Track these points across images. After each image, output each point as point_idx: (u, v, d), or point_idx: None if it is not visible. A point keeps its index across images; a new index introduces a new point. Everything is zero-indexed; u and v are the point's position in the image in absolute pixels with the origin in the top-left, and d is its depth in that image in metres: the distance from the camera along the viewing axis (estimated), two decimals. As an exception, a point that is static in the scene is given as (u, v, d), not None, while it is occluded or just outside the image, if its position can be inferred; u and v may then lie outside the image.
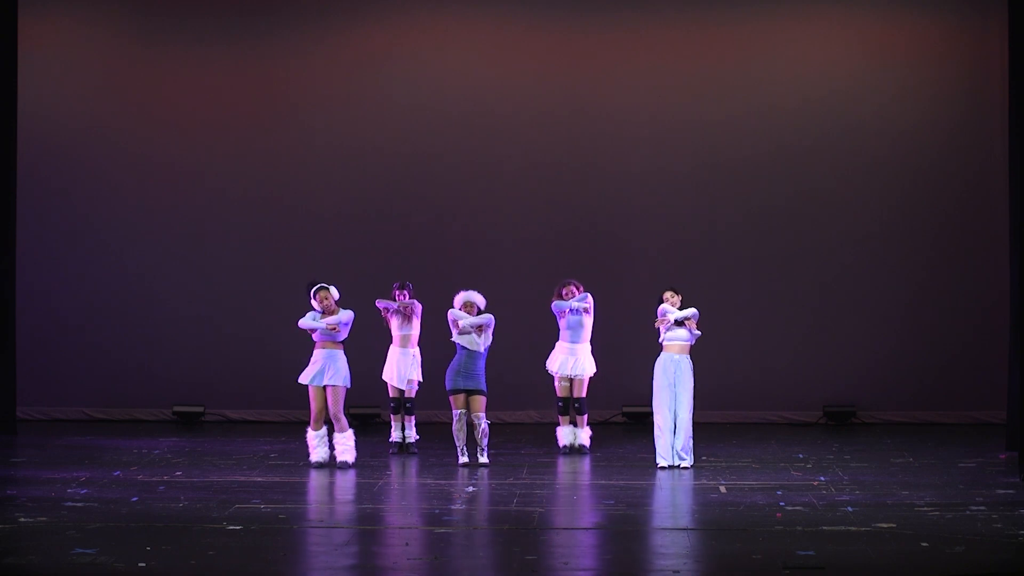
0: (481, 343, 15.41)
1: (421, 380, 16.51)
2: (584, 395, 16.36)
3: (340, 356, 15.29)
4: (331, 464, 15.17)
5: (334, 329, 15.25)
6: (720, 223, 19.47)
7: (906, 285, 19.38)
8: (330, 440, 15.33)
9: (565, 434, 16.44)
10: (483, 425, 15.36)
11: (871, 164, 19.39)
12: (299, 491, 13.77)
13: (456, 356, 15.46)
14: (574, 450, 16.32)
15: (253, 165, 19.72)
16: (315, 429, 15.29)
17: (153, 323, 19.66)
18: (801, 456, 16.03)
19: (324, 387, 15.25)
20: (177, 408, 19.51)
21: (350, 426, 15.34)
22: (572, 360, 16.36)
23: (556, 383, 16.48)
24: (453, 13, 19.71)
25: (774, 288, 19.43)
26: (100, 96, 19.79)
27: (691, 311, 15.11)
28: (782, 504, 12.81)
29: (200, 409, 19.54)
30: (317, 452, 15.24)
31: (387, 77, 19.63)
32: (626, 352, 18.45)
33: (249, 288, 19.64)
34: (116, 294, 19.69)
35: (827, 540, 11.20)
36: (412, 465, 15.55)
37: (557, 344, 16.52)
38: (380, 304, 16.39)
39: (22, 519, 12.02)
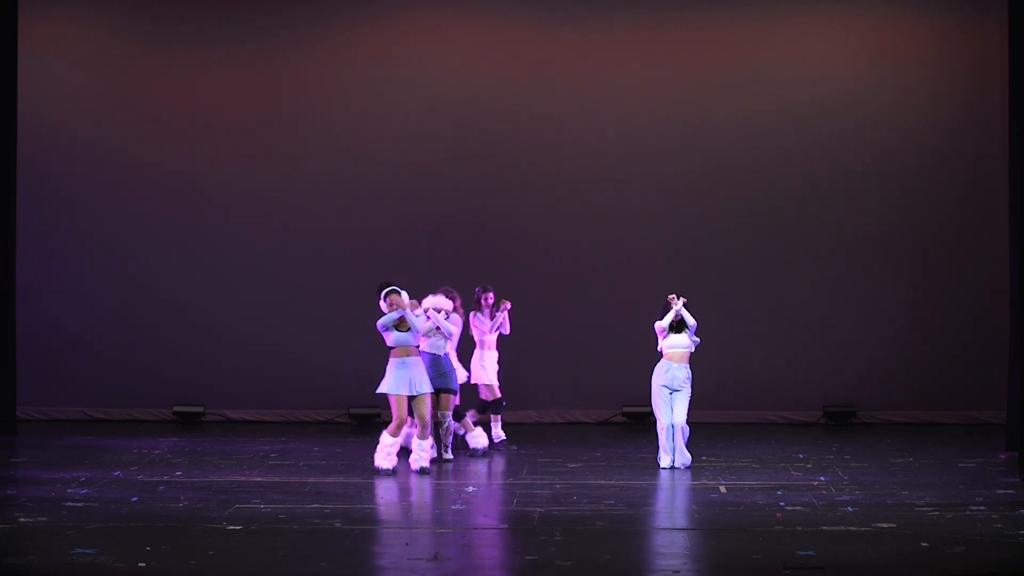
0: (443, 345, 15.70)
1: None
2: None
3: (419, 362, 14.92)
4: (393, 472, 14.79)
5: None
6: (720, 224, 19.46)
7: (906, 285, 19.38)
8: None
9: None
10: (448, 423, 15.70)
11: (871, 164, 19.38)
12: (299, 491, 13.77)
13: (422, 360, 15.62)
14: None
15: (253, 165, 19.71)
16: (393, 435, 14.72)
17: (153, 323, 19.66)
18: (801, 456, 16.03)
19: (410, 396, 14.81)
20: (177, 408, 19.51)
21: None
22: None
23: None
24: (453, 13, 19.71)
25: (774, 288, 19.42)
26: (100, 96, 19.79)
27: (692, 320, 15.10)
28: (782, 504, 12.81)
29: (200, 409, 19.54)
30: (389, 459, 14.65)
31: (387, 77, 19.62)
32: (626, 352, 18.46)
33: (249, 288, 19.63)
34: (116, 294, 19.68)
35: (827, 540, 11.21)
36: (412, 465, 15.53)
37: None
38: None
39: (22, 519, 12.03)
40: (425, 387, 14.76)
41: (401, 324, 14.78)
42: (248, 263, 19.67)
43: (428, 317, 15.54)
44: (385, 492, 13.94)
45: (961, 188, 19.37)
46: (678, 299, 15.06)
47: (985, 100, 19.13)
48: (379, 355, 16.63)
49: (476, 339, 16.89)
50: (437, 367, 15.64)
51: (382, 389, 14.83)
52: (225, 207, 19.72)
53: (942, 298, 19.35)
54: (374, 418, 18.75)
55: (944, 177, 19.37)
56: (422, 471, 14.68)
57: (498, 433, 16.87)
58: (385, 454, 14.64)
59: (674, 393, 14.99)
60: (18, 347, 18.28)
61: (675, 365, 15.03)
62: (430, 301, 15.69)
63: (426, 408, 14.73)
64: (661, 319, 15.09)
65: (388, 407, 16.31)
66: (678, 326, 15.08)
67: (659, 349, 15.15)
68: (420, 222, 19.58)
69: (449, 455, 15.78)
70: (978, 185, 19.24)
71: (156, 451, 16.46)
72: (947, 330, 19.33)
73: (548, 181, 19.54)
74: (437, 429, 15.64)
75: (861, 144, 19.39)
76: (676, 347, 15.07)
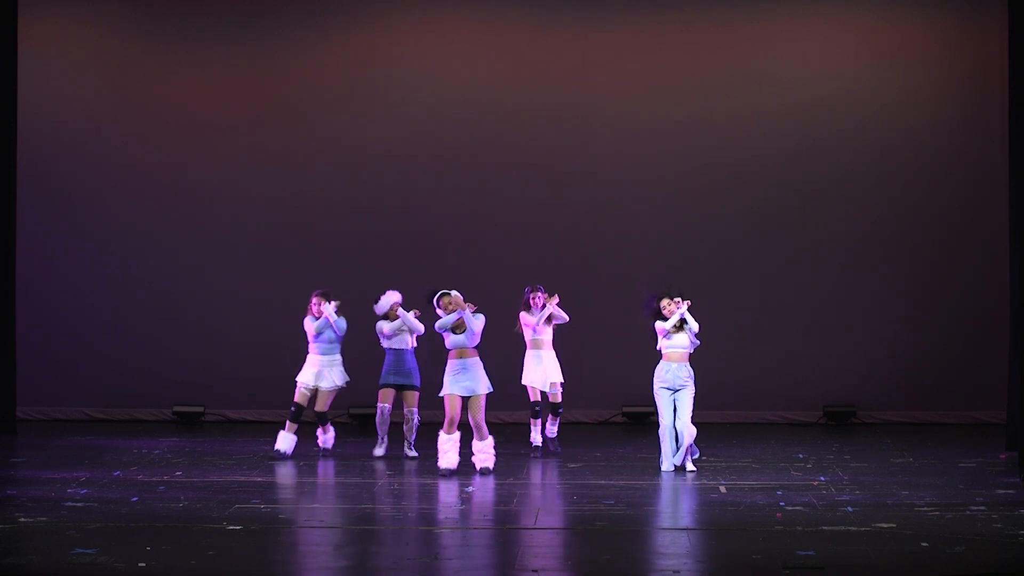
0: (410, 340, 15.88)
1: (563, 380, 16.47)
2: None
3: (478, 363, 14.68)
4: (458, 471, 14.65)
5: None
6: (720, 223, 19.47)
7: (906, 285, 19.38)
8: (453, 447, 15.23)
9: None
10: (415, 420, 15.91)
11: (871, 164, 19.39)
12: (299, 491, 13.77)
13: (387, 357, 15.99)
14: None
15: (253, 165, 19.73)
16: (448, 433, 14.59)
17: (153, 323, 19.67)
18: (801, 456, 16.03)
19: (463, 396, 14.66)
20: (177, 408, 19.52)
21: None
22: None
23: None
24: (453, 13, 19.72)
25: (774, 288, 19.43)
26: (100, 96, 19.81)
27: (694, 324, 15.01)
28: (782, 504, 12.80)
29: (200, 409, 19.55)
30: (448, 457, 14.55)
31: (387, 77, 19.63)
32: (626, 352, 18.46)
33: (249, 288, 19.64)
34: (116, 294, 19.69)
35: (827, 540, 11.20)
36: (412, 466, 15.54)
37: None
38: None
39: (22, 519, 12.02)
40: (481, 389, 14.64)
41: (457, 327, 14.71)
42: (248, 263, 19.68)
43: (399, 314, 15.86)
44: (383, 492, 13.94)
45: (961, 188, 19.37)
46: (682, 302, 15.01)
47: (985, 100, 19.13)
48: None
49: (526, 340, 16.35)
50: (400, 364, 15.90)
51: (442, 392, 14.73)
52: (225, 207, 19.73)
53: (942, 298, 19.35)
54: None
55: (944, 177, 19.38)
56: (484, 471, 14.60)
57: (535, 437, 16.40)
58: (443, 453, 14.58)
59: (676, 393, 14.95)
60: (18, 347, 18.28)
61: (674, 365, 14.99)
62: (387, 299, 16.03)
63: (480, 410, 14.60)
64: (648, 315, 15.03)
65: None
66: (679, 326, 15.05)
67: (658, 348, 15.13)
68: (420, 222, 19.58)
69: (413, 452, 15.87)
70: (978, 185, 19.25)
71: (156, 451, 16.46)
72: (947, 330, 19.33)
73: (548, 181, 19.54)
74: (404, 424, 15.92)
75: (861, 144, 19.39)
76: (676, 347, 15.01)
